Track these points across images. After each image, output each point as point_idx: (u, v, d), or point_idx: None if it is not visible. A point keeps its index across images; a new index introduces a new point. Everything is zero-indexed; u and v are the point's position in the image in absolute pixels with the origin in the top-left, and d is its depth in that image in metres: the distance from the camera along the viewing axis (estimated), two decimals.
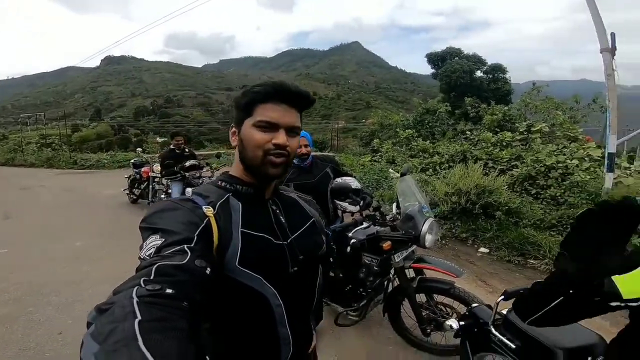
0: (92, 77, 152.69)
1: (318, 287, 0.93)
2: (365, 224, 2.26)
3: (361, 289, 2.25)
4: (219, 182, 0.84)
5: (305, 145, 2.38)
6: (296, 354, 0.85)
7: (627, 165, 5.81)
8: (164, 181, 6.44)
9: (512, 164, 6.35)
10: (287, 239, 0.83)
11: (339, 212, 2.49)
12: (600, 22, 5.35)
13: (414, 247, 2.19)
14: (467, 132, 8.88)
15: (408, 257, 2.20)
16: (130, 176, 7.69)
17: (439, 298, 2.26)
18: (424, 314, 2.20)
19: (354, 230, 2.19)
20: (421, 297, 2.26)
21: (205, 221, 0.69)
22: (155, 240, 0.62)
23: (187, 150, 5.90)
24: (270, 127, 0.77)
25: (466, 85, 19.96)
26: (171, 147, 5.81)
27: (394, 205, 2.35)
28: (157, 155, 8.32)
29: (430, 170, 7.08)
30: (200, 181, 5.60)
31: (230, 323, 0.77)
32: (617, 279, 0.75)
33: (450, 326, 1.53)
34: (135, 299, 0.49)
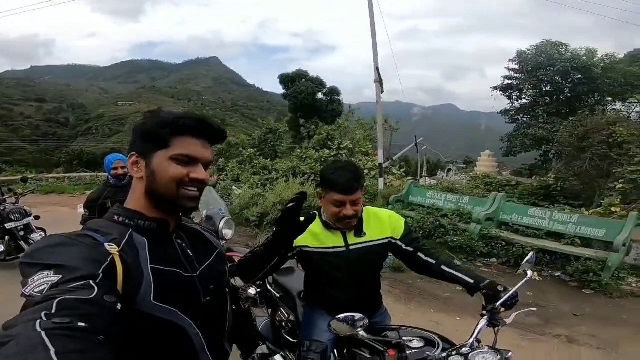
0: None
1: (229, 313, 0.96)
2: None
3: None
4: (115, 217, 0.79)
5: (122, 167, 2.88)
6: None
7: (397, 172, 8.42)
8: None
9: None
10: (196, 271, 0.84)
11: None
12: (376, 57, 7.58)
13: (223, 242, 2.95)
14: (298, 150, 10.56)
15: None
16: None
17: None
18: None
19: None
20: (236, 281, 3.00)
21: (109, 259, 0.65)
22: (48, 277, 0.56)
23: None
24: (189, 161, 0.77)
25: (310, 106, 21.74)
26: None
27: (203, 211, 3.05)
28: None
29: (268, 184, 8.19)
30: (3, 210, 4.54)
31: (151, 354, 0.75)
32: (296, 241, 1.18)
33: (253, 294, 1.77)
34: (42, 332, 0.45)
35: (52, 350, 0.42)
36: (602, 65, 14.65)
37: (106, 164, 2.99)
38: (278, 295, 2.01)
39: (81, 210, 2.99)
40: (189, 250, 0.85)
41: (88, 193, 3.85)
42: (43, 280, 0.55)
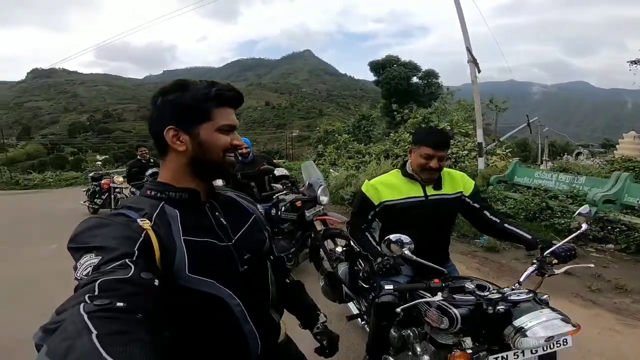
0: (16, 91, 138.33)
1: (271, 281, 0.95)
2: (288, 196, 3.48)
3: (290, 240, 3.42)
4: (148, 192, 0.81)
5: (246, 148, 3.58)
6: (266, 348, 0.87)
7: (501, 152, 7.76)
8: (126, 191, 7.18)
9: None
10: (232, 239, 0.83)
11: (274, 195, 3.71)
12: (466, 36, 7.12)
13: (320, 207, 3.43)
14: (392, 135, 10.58)
15: (317, 214, 3.43)
16: (88, 189, 8.21)
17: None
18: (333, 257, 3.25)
19: (281, 199, 3.39)
20: (329, 243, 3.44)
21: (143, 234, 0.67)
22: (90, 259, 0.59)
23: (152, 160, 6.55)
24: (230, 130, 0.81)
25: (404, 91, 21.48)
26: (137, 157, 6.46)
27: (306, 181, 3.58)
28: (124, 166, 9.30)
29: (362, 167, 8.55)
30: None
31: (193, 328, 0.76)
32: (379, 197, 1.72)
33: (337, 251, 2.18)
34: (84, 315, 0.47)
35: (94, 333, 0.45)
36: None
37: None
38: (358, 249, 2.10)
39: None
40: (222, 219, 0.84)
41: None
42: (87, 263, 0.58)
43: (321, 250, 3.22)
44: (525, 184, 5.81)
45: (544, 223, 4.57)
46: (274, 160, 4.40)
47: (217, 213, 0.84)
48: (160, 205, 0.76)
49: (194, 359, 0.77)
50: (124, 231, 0.65)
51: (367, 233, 1.75)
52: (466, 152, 7.57)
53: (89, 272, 0.57)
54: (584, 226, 1.54)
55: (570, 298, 3.12)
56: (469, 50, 6.87)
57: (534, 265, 1.43)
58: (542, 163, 9.39)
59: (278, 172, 3.78)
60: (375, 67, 23.68)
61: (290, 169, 7.64)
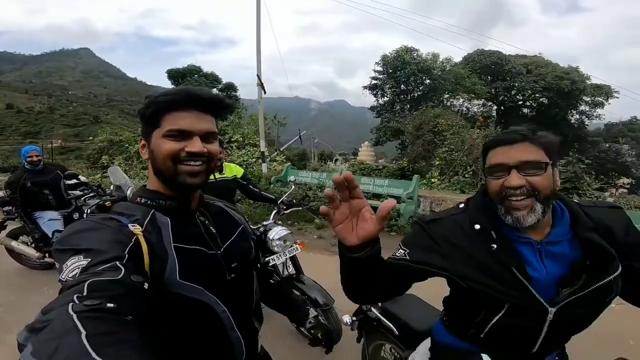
0: None
1: (255, 290, 0.96)
2: (92, 200, 3.76)
3: None
4: (138, 199, 0.81)
5: (36, 156, 3.61)
6: (249, 356, 0.88)
7: (279, 159, 9.86)
8: None
9: None
10: (220, 248, 0.84)
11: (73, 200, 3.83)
12: (259, 65, 8.81)
13: None
14: None
15: None
16: None
17: None
18: None
19: (85, 203, 3.72)
20: None
21: (133, 239, 0.67)
22: (78, 261, 0.58)
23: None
24: (181, 135, 0.75)
25: None
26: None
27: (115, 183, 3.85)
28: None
29: None
30: None
31: (181, 333, 0.76)
32: None
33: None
34: (73, 315, 0.47)
35: (83, 333, 0.44)
36: (440, 67, 18.84)
37: (23, 154, 3.67)
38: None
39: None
40: (212, 228, 0.85)
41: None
42: (75, 265, 0.57)
43: None
44: (294, 181, 7.98)
45: (306, 206, 6.56)
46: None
47: (207, 222, 0.85)
48: (151, 212, 0.77)
49: None
50: (115, 235, 0.66)
51: None
52: (254, 159, 9.13)
53: (76, 274, 0.56)
54: (293, 186, 3.28)
55: (322, 252, 4.83)
56: (258, 77, 8.54)
57: (276, 209, 2.71)
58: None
59: (72, 181, 3.97)
60: (174, 75, 23.12)
61: None
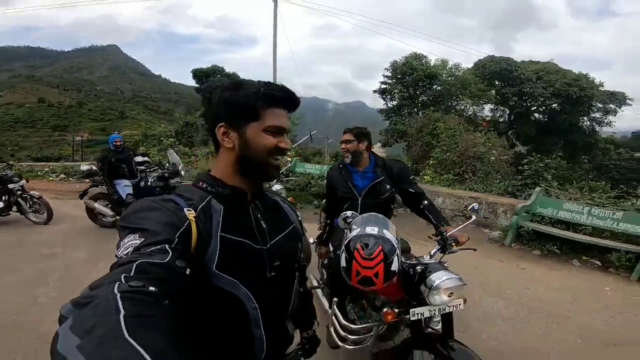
0: None
1: (295, 292, 0.96)
2: (154, 172, 5.46)
3: None
4: (200, 183, 0.84)
5: (120, 141, 5.42)
6: (270, 355, 0.87)
7: (290, 155, 11.25)
8: None
9: None
10: (267, 243, 0.85)
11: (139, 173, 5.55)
12: (275, 71, 10.31)
13: (181, 178, 5.38)
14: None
15: (178, 182, 5.37)
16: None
17: None
18: None
19: (148, 174, 5.33)
20: None
21: (186, 224, 0.70)
22: (133, 240, 0.63)
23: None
24: (278, 132, 0.81)
25: None
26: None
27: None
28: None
29: (189, 165, 10.18)
30: None
31: (205, 320, 0.78)
32: None
33: None
34: (117, 294, 0.49)
35: (122, 313, 0.46)
36: (448, 73, 19.65)
37: (110, 139, 5.35)
38: None
39: (86, 166, 5.19)
40: (263, 222, 0.86)
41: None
42: (130, 243, 0.63)
43: None
44: (301, 171, 9.57)
45: (308, 192, 7.97)
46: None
47: (259, 215, 0.87)
48: (208, 198, 0.80)
49: (198, 348, 0.79)
50: (170, 217, 0.70)
51: None
52: None
53: (129, 252, 0.61)
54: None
55: (317, 223, 6.00)
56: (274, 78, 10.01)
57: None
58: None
59: (139, 158, 5.63)
60: (199, 74, 24.28)
61: None
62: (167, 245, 0.63)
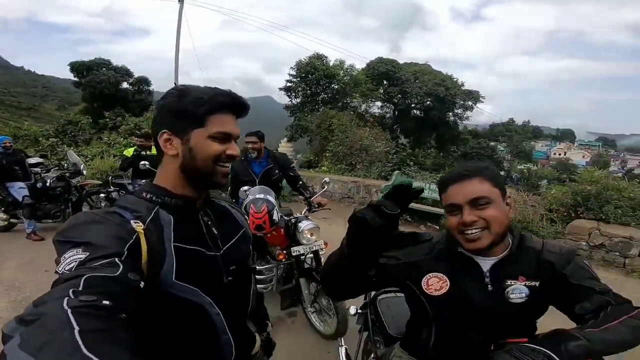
0: None
1: (252, 293, 0.97)
2: (51, 172, 5.29)
3: (56, 203, 5.19)
4: (144, 194, 0.80)
5: (9, 143, 5.12)
6: (239, 357, 0.88)
7: None
8: None
9: None
10: (220, 250, 0.85)
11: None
12: (177, 70, 10.14)
13: (82, 177, 5.47)
14: (105, 138, 12.05)
15: (79, 181, 5.42)
16: None
17: None
18: None
19: (45, 175, 5.20)
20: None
21: (134, 237, 0.67)
22: (76, 255, 0.59)
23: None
24: (225, 138, 0.79)
25: (111, 96, 20.80)
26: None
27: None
28: None
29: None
30: None
31: (171, 333, 0.76)
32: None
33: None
34: (68, 310, 0.47)
35: (77, 329, 0.44)
36: (344, 73, 21.69)
37: None
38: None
39: None
40: (214, 229, 0.86)
41: None
42: (72, 258, 0.58)
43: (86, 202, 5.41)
44: None
45: None
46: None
47: (209, 222, 0.86)
48: (155, 209, 0.77)
49: None
50: (116, 230, 0.66)
51: None
52: None
53: (72, 267, 0.57)
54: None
55: None
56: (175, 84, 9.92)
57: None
58: None
59: (33, 160, 5.55)
60: (79, 68, 21.76)
61: None
62: (116, 259, 0.60)
